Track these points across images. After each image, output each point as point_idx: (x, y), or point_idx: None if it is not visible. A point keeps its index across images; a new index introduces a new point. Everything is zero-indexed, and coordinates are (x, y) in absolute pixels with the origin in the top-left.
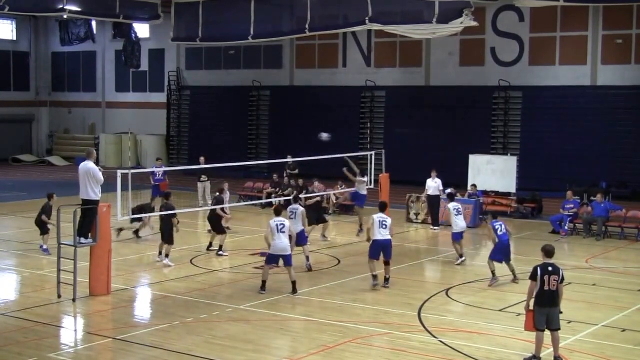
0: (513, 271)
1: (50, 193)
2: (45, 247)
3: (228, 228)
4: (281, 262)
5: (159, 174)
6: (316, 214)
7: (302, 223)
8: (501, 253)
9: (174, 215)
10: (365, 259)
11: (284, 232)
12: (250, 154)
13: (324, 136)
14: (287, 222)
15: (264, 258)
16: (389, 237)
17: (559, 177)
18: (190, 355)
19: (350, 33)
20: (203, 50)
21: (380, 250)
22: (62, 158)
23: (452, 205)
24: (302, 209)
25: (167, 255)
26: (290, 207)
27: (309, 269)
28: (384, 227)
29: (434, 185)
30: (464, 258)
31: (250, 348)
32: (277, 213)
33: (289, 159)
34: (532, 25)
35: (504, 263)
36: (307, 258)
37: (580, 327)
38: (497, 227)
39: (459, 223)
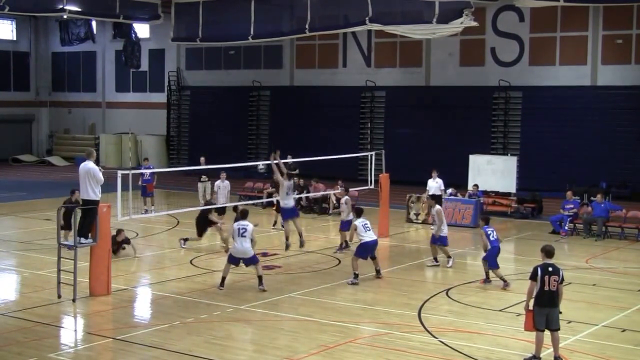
0: (502, 277)
1: (73, 189)
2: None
3: (223, 223)
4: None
5: (147, 174)
6: None
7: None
8: (495, 259)
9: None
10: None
11: (244, 236)
12: (250, 154)
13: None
14: (249, 227)
15: (265, 258)
16: (375, 237)
17: (559, 177)
18: (190, 355)
19: (350, 33)
20: (203, 50)
21: (369, 251)
22: (62, 158)
23: (439, 208)
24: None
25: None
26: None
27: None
28: (368, 229)
29: (435, 185)
30: (451, 260)
31: (250, 348)
32: (244, 216)
33: (289, 159)
34: (532, 25)
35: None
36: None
37: (580, 327)
38: (489, 233)
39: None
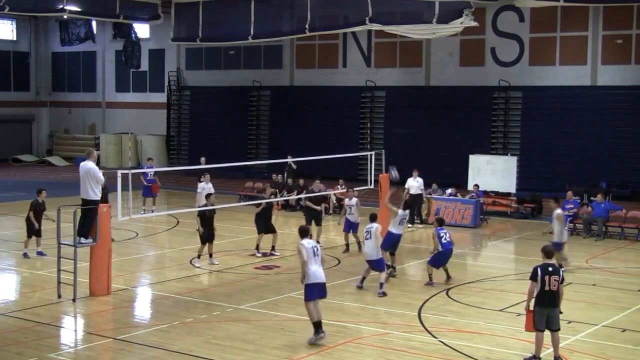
0: (446, 270)
1: (40, 188)
2: (38, 250)
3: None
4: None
5: (151, 174)
6: (315, 216)
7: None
8: (441, 261)
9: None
10: (363, 258)
11: (318, 256)
12: (250, 154)
13: (394, 175)
14: (373, 227)
15: (265, 258)
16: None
17: (559, 177)
18: (190, 355)
19: (350, 33)
20: (203, 50)
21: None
22: (62, 158)
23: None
24: (377, 225)
25: (210, 255)
26: (367, 226)
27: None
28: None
29: (415, 184)
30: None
31: (250, 348)
32: (304, 234)
33: (289, 159)
34: (532, 25)
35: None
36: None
37: (580, 327)
38: (441, 235)
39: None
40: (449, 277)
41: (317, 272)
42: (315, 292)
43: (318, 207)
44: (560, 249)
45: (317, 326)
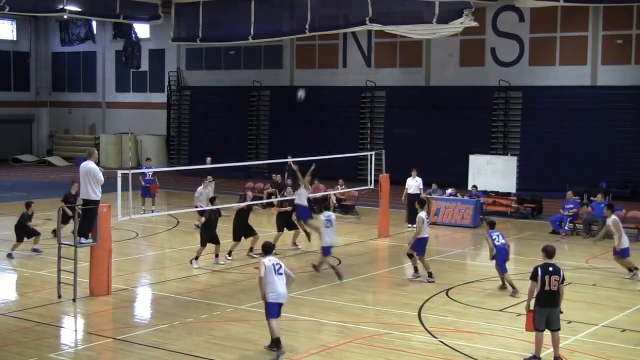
0: (511, 283)
1: (28, 201)
2: (34, 247)
3: (197, 226)
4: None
5: (149, 175)
6: (286, 221)
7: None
8: (503, 263)
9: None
10: (363, 258)
11: (281, 274)
12: (250, 154)
13: (301, 94)
14: (282, 263)
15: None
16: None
17: (559, 177)
18: (190, 355)
19: (350, 33)
20: (203, 50)
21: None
22: (62, 158)
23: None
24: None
25: (216, 255)
26: (326, 214)
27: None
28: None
29: (414, 184)
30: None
31: (250, 348)
32: (267, 250)
33: (289, 159)
34: (532, 25)
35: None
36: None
37: (580, 327)
38: (494, 237)
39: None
40: (512, 288)
41: (276, 291)
42: (276, 310)
43: (287, 209)
44: (626, 255)
45: (278, 342)
